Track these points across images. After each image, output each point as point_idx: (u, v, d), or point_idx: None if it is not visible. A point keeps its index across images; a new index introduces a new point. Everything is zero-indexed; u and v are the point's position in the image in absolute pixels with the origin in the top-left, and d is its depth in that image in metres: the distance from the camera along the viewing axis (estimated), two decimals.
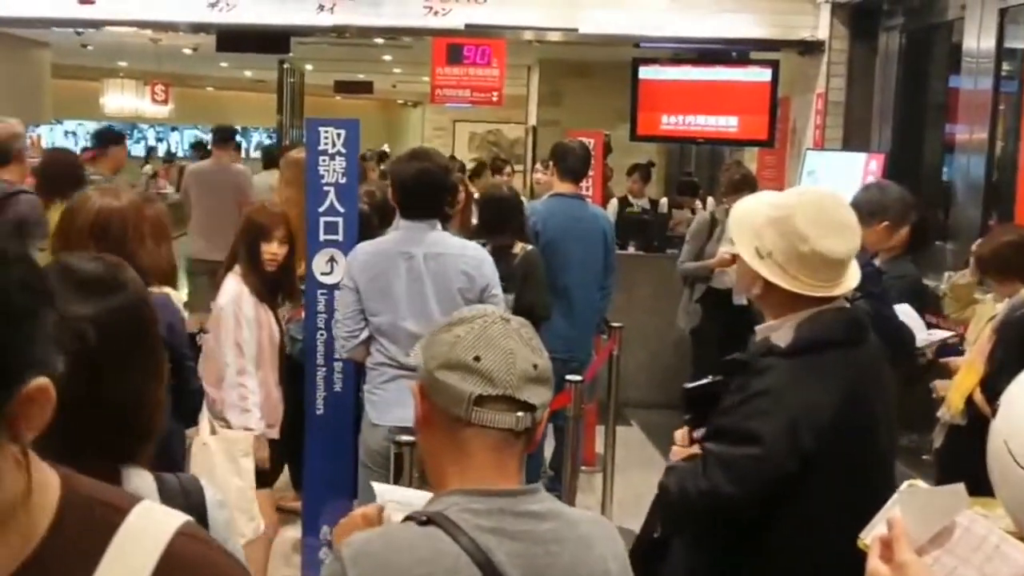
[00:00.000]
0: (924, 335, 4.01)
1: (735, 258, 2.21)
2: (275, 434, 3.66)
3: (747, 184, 5.54)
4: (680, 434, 2.29)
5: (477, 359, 1.36)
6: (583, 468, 5.21)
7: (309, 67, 15.02)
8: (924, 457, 4.66)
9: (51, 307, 0.92)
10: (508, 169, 9.28)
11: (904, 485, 1.37)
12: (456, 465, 1.39)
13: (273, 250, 3.68)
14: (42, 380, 0.88)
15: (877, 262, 4.10)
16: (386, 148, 16.45)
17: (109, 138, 6.32)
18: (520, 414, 1.37)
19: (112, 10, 7.15)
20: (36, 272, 0.92)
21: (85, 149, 10.31)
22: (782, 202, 2.12)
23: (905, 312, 3.76)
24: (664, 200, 8.89)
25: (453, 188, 4.79)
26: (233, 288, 3.65)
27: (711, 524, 2.11)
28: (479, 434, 1.37)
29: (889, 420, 2.15)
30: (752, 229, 2.08)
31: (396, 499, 1.56)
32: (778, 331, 2.10)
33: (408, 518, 1.39)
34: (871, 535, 1.30)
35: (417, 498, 1.52)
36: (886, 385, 2.16)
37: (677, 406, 2.41)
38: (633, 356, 5.86)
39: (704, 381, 2.29)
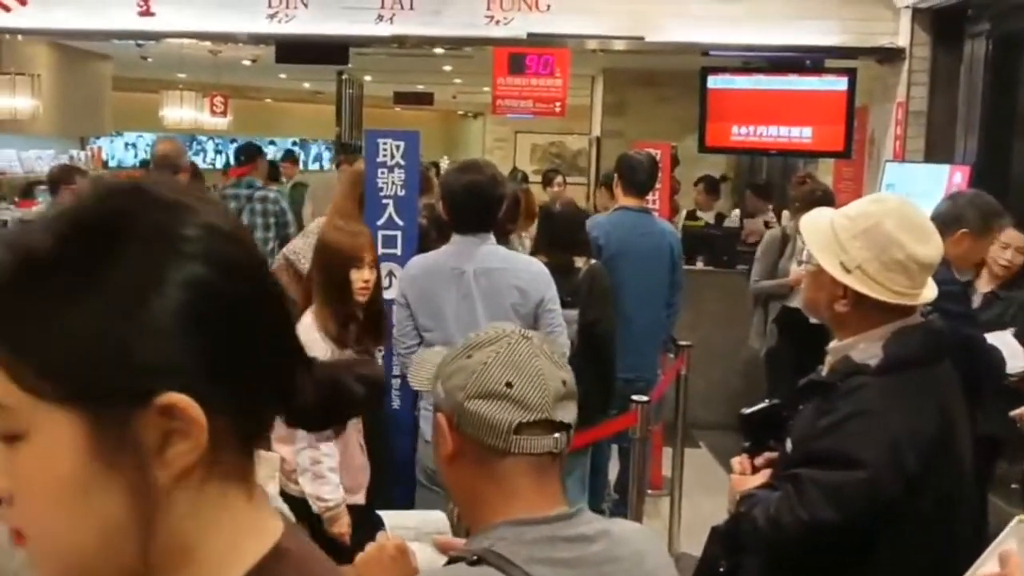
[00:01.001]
0: (1020, 362, 3.90)
1: (812, 275, 2.17)
2: (359, 499, 3.31)
3: (828, 200, 5.45)
4: (739, 461, 2.25)
5: (509, 385, 1.34)
6: (649, 491, 5.16)
7: (368, 78, 15.19)
8: (1013, 486, 4.54)
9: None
10: (559, 179, 9.26)
11: (1015, 521, 1.33)
12: (497, 497, 1.36)
13: (365, 277, 3.29)
14: (176, 396, 0.70)
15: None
16: (444, 160, 16.54)
17: (254, 151, 7.08)
18: (557, 435, 1.36)
19: (172, 22, 7.30)
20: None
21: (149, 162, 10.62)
22: (862, 212, 2.09)
23: (1000, 338, 3.66)
24: (736, 212, 8.77)
25: (515, 200, 4.80)
26: (303, 333, 3.54)
27: (802, 555, 2.05)
28: (519, 462, 1.35)
29: (969, 443, 2.09)
30: (834, 243, 2.05)
31: (407, 525, 1.54)
32: (857, 349, 2.05)
33: (457, 558, 1.37)
34: (981, 571, 1.26)
35: (427, 521, 1.49)
36: (963, 406, 2.11)
37: None
38: (701, 375, 5.80)
39: (762, 405, 2.26)
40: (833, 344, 2.14)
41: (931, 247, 2.01)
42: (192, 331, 0.71)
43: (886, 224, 2.01)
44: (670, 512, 5.27)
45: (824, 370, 2.16)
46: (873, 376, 2.02)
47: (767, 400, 2.26)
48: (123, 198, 0.75)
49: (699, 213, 8.57)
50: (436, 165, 13.43)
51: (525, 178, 11.48)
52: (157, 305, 0.70)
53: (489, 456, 1.35)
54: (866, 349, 2.04)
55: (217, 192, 7.31)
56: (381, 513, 1.67)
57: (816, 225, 2.14)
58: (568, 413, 1.37)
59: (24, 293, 0.71)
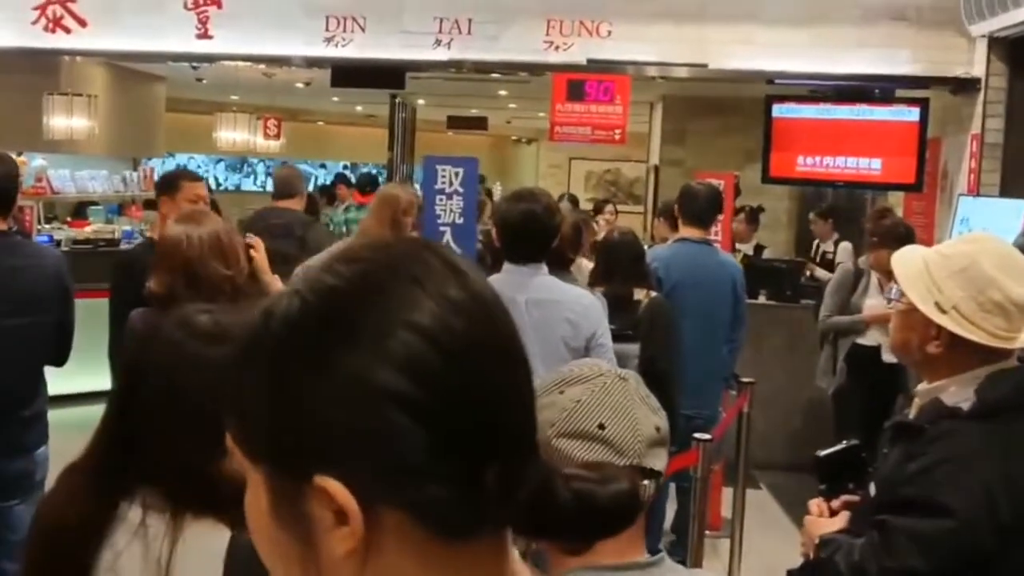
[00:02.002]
0: None
1: (903, 315, 2.14)
2: None
3: (911, 237, 5.39)
4: (816, 503, 2.23)
5: (602, 427, 1.33)
6: (708, 533, 5.11)
7: (421, 102, 15.36)
8: None
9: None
10: (610, 208, 9.27)
11: None
12: None
13: None
14: (329, 482, 0.70)
15: None
16: (497, 186, 16.62)
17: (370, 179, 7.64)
18: (646, 483, 1.34)
19: (229, 45, 7.46)
20: None
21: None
22: (957, 251, 2.07)
23: None
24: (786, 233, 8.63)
25: (576, 229, 4.82)
26: None
27: None
28: None
29: None
30: (929, 282, 2.03)
31: None
32: (948, 392, 2.03)
33: None
34: None
35: None
36: None
37: (810, 469, 2.35)
38: (763, 413, 5.75)
39: (839, 447, 2.24)
40: (922, 386, 2.11)
41: None
42: (374, 425, 0.70)
43: (983, 263, 1.99)
44: (730, 554, 5.22)
45: (912, 412, 2.14)
46: (965, 421, 1.99)
47: (844, 442, 2.24)
48: (376, 276, 0.74)
49: (738, 245, 8.49)
50: (489, 192, 13.53)
51: (575, 201, 11.59)
52: (351, 394, 0.71)
53: None
54: (957, 392, 2.02)
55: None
56: None
57: (909, 262, 2.11)
58: (659, 460, 1.36)
59: (254, 358, 0.74)
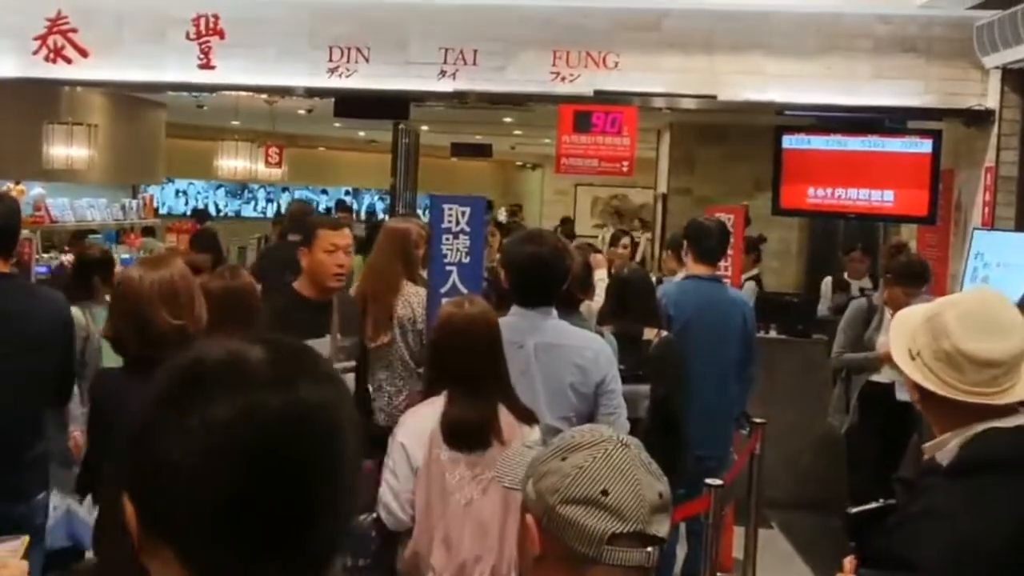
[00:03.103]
0: None
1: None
2: None
3: (926, 274, 5.42)
4: (849, 561, 2.24)
5: (605, 493, 1.35)
6: (719, 575, 5.10)
7: (425, 128, 15.42)
8: None
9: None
10: (626, 241, 9.28)
11: None
12: None
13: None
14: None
15: None
16: (500, 213, 16.62)
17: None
18: (650, 549, 1.36)
19: (232, 75, 7.52)
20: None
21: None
22: (943, 300, 2.13)
23: None
24: (828, 281, 8.50)
25: (586, 267, 4.83)
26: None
27: None
28: (608, 573, 1.36)
29: None
30: (908, 328, 2.08)
31: None
32: (947, 448, 2.05)
33: None
34: None
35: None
36: None
37: (821, 507, 2.34)
38: (772, 451, 5.74)
39: (872, 506, 2.25)
40: (928, 443, 2.14)
41: (995, 344, 1.97)
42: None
43: (947, 314, 2.02)
44: None
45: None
46: (942, 477, 2.01)
47: (881, 500, 2.26)
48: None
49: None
50: (498, 223, 13.54)
51: (569, 229, 11.60)
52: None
53: (578, 564, 1.36)
54: (951, 449, 2.04)
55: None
56: None
57: (907, 310, 2.17)
58: (662, 527, 1.38)
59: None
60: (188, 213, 16.64)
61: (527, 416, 3.17)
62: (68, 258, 9.08)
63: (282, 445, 0.93)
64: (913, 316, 2.11)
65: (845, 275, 8.13)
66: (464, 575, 3.11)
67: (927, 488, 2.02)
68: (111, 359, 3.59)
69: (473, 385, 3.10)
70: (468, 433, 3.10)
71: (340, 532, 0.98)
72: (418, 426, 3.13)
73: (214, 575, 0.93)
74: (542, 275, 3.56)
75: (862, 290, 7.52)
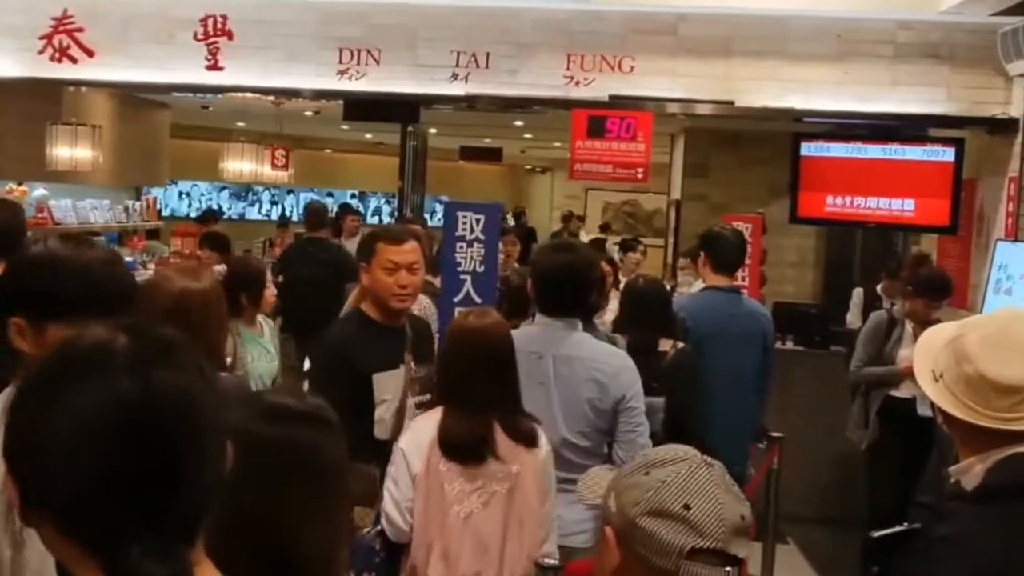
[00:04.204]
0: None
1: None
2: None
3: (948, 288, 5.40)
4: None
5: (687, 507, 1.38)
6: None
7: (433, 131, 15.44)
8: None
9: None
10: (641, 248, 9.28)
11: None
12: None
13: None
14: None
15: None
16: (509, 217, 16.61)
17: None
18: (728, 569, 1.38)
19: (239, 77, 7.54)
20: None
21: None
22: (967, 321, 2.12)
23: None
24: (859, 292, 8.39)
25: (602, 275, 4.82)
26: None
27: None
28: None
29: None
30: (932, 349, 2.08)
31: None
32: (971, 472, 2.05)
33: None
34: None
35: None
36: None
37: (839, 523, 2.34)
38: (788, 464, 5.72)
39: (895, 530, 2.24)
40: (954, 467, 2.14)
41: (1014, 371, 1.96)
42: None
43: (970, 336, 2.02)
44: None
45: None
46: (966, 503, 2.01)
47: (905, 524, 2.25)
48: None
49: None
50: (526, 231, 13.56)
51: (574, 219, 11.57)
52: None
53: None
54: (978, 473, 2.04)
55: None
56: None
57: (933, 329, 2.18)
58: (742, 549, 1.40)
59: None
60: (192, 215, 16.66)
61: (525, 438, 3.12)
62: None
63: (142, 425, 1.05)
64: (937, 337, 2.11)
65: (879, 289, 8.07)
66: None
67: (951, 513, 2.02)
68: None
69: (470, 399, 3.08)
70: (460, 447, 3.08)
71: (205, 500, 1.11)
72: (419, 434, 3.13)
73: (91, 544, 1.05)
74: (572, 285, 3.56)
75: (893, 303, 7.49)
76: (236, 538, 1.47)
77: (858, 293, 8.28)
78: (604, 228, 17.83)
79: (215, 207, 17.20)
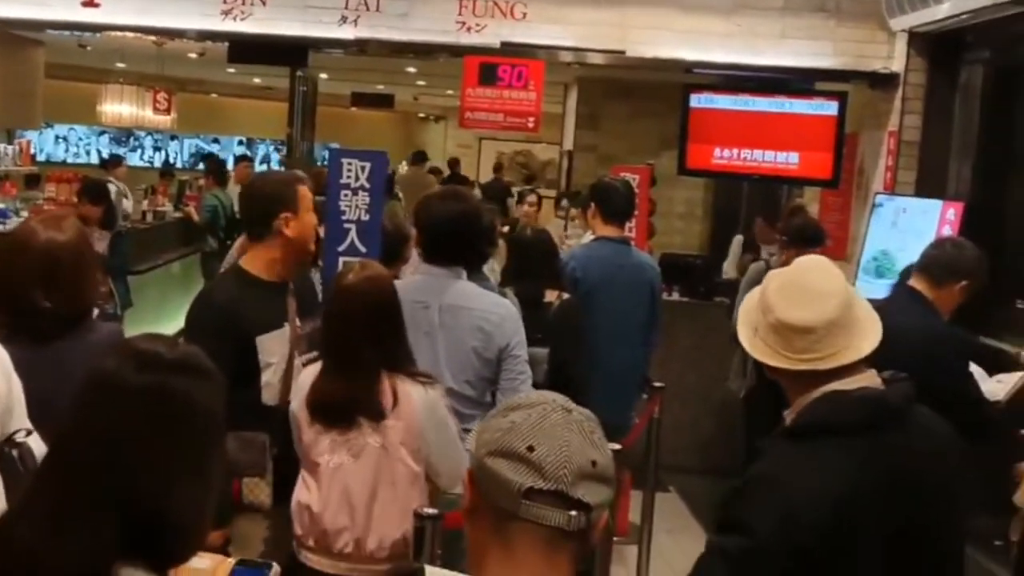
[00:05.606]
0: (991, 385, 4.05)
1: None
2: None
3: (818, 238, 5.55)
4: None
5: (531, 448, 1.38)
6: (616, 539, 5.21)
7: (324, 76, 15.17)
8: (997, 543, 4.64)
9: None
10: (532, 199, 9.30)
11: None
12: (502, 563, 1.41)
13: None
14: None
15: None
16: (402, 167, 16.43)
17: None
18: (573, 513, 1.37)
19: (117, 15, 7.29)
20: None
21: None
22: (770, 273, 2.28)
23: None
24: (739, 239, 8.62)
25: (491, 226, 4.83)
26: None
27: None
28: (527, 530, 1.38)
29: (947, 513, 2.15)
30: (751, 307, 2.21)
31: None
32: (792, 415, 2.17)
33: None
34: None
35: None
36: (942, 473, 2.16)
37: (719, 471, 2.42)
38: (672, 415, 5.85)
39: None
40: (787, 410, 2.25)
41: (808, 311, 2.09)
42: None
43: (770, 286, 2.17)
44: (638, 561, 5.33)
45: None
46: (776, 440, 2.15)
47: None
48: None
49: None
50: (393, 173, 13.48)
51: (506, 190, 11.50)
52: None
53: (499, 517, 1.39)
54: (795, 416, 2.16)
55: None
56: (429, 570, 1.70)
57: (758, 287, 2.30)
58: (593, 494, 1.39)
59: None
60: (70, 161, 16.08)
61: (407, 396, 3.06)
62: None
63: None
64: (755, 295, 2.23)
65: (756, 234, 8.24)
66: (327, 543, 3.09)
67: (763, 452, 2.15)
68: None
69: (350, 358, 3.04)
70: (328, 409, 3.04)
71: None
72: (304, 390, 3.12)
73: None
74: (461, 234, 3.55)
75: (771, 254, 7.66)
76: (101, 495, 1.44)
77: (737, 241, 8.48)
78: (497, 169, 17.81)
79: (93, 153, 16.65)
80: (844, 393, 2.10)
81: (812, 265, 2.21)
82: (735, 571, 2.03)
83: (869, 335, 2.13)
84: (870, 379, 2.13)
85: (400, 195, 12.28)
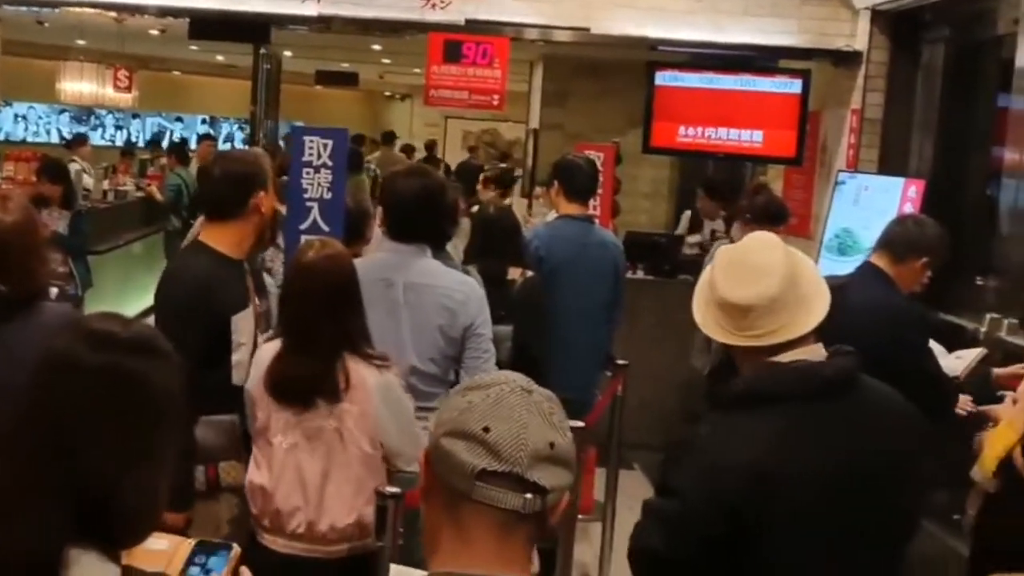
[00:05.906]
0: (950, 361, 4.09)
1: None
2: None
3: (781, 215, 5.57)
4: None
5: (486, 430, 1.36)
6: (580, 517, 5.23)
7: (288, 53, 15.03)
8: (955, 517, 4.70)
9: None
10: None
11: None
12: (455, 544, 1.39)
13: None
14: None
15: None
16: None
17: None
18: (528, 496, 1.35)
19: None
20: None
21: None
22: (721, 249, 2.32)
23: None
24: (687, 215, 8.70)
25: (455, 204, 4.82)
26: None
27: None
28: (481, 512, 1.37)
29: (896, 487, 2.17)
30: (703, 281, 2.25)
31: None
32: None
33: None
34: None
35: None
36: (891, 447, 2.18)
37: None
38: (636, 393, 5.85)
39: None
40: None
41: (748, 288, 2.12)
42: None
43: (717, 265, 2.21)
44: (602, 538, 5.35)
45: None
46: (712, 409, 2.25)
47: None
48: None
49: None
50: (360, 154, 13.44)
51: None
52: None
53: (453, 498, 1.38)
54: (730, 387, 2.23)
55: None
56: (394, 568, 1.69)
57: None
58: (550, 478, 1.37)
59: None
60: (29, 140, 15.84)
61: (378, 360, 3.10)
62: None
63: None
64: (707, 271, 2.26)
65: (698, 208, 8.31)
66: (280, 523, 3.09)
67: (701, 420, 2.24)
68: None
69: (308, 338, 3.03)
70: (286, 390, 3.04)
71: None
72: (260, 368, 3.12)
73: None
74: (425, 210, 3.54)
75: (713, 232, 7.73)
76: (53, 477, 1.42)
77: (685, 216, 8.54)
78: (471, 151, 17.82)
79: (52, 132, 16.44)
80: (779, 365, 2.13)
81: (756, 244, 2.22)
82: (670, 532, 2.08)
83: (815, 310, 2.15)
84: (812, 352, 2.15)
85: (377, 171, 12.34)
